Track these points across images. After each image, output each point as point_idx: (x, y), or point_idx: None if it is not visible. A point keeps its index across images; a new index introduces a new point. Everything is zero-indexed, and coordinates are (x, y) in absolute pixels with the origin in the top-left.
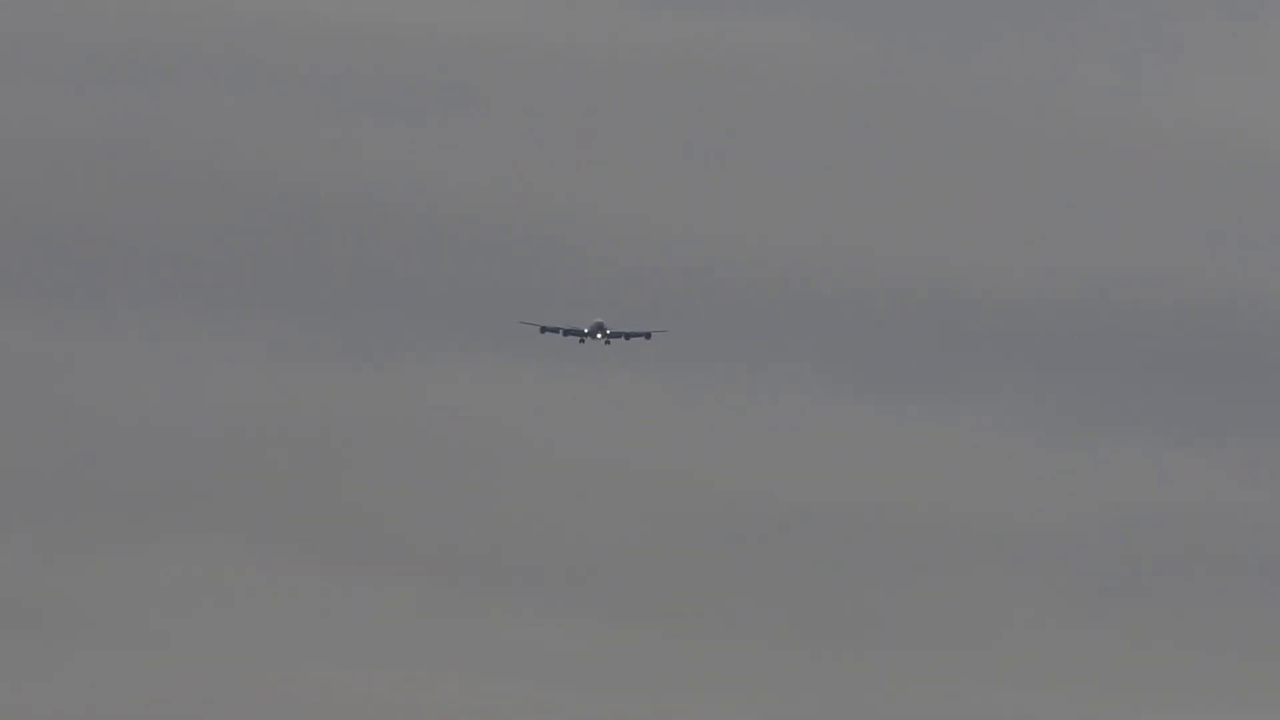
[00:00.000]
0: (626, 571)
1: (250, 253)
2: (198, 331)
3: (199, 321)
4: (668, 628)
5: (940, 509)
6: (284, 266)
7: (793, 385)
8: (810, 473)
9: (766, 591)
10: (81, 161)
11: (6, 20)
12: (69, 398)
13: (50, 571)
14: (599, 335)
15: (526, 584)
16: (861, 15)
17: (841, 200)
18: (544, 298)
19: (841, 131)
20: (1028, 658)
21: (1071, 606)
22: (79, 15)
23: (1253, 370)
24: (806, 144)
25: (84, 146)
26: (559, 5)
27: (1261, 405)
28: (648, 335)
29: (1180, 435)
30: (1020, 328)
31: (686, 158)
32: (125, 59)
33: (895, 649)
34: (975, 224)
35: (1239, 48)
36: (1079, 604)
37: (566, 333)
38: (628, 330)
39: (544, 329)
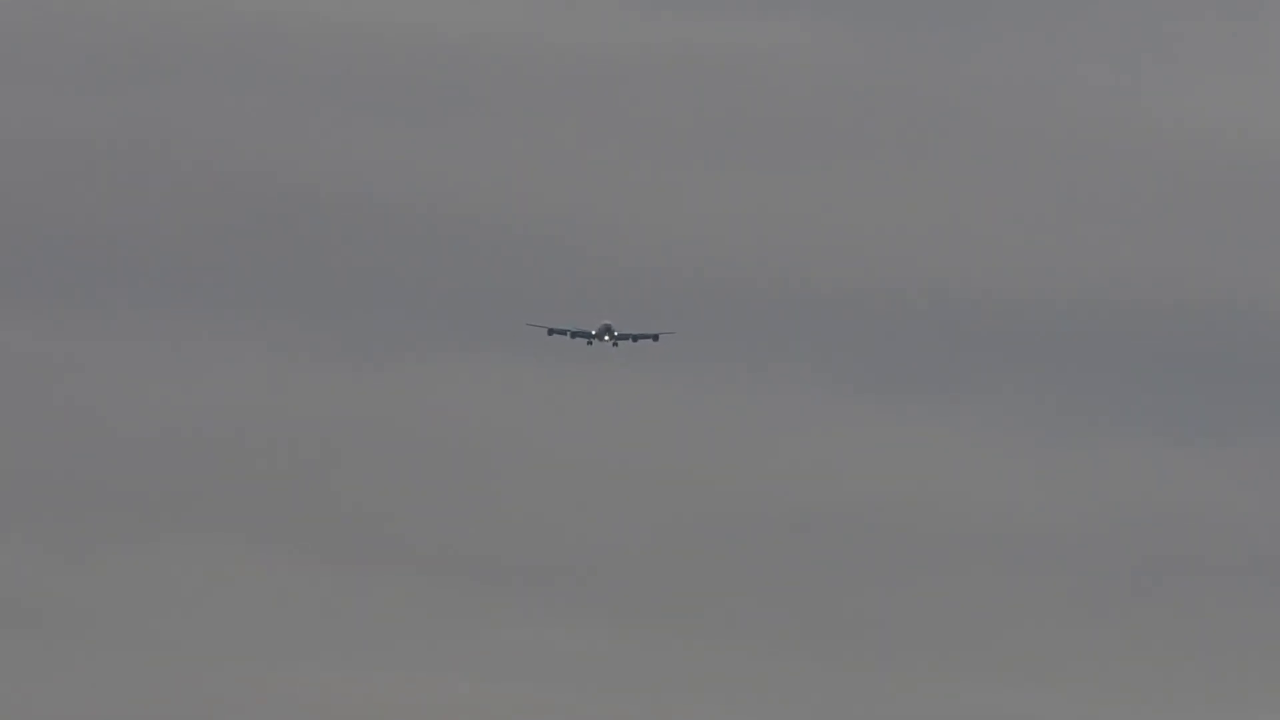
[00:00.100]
0: (631, 572)
1: (254, 254)
2: (214, 332)
3: (215, 322)
4: (670, 628)
5: (943, 510)
6: (290, 268)
7: (799, 387)
8: (815, 474)
9: (769, 592)
10: (84, 162)
11: (7, 21)
12: (71, 399)
13: (53, 572)
14: (606, 337)
15: (531, 585)
16: (862, 16)
17: (846, 202)
18: (551, 300)
19: (844, 133)
20: (1029, 658)
21: (1073, 607)
22: (80, 16)
23: (1254, 371)
24: (811, 146)
25: (85, 147)
26: (565, 7)
27: (1262, 406)
28: (655, 337)
29: (1181, 436)
30: (1022, 329)
31: (693, 160)
32: (126, 60)
33: (897, 650)
34: (979, 226)
35: (1239, 48)
36: (1080, 605)
37: (574, 334)
38: (635, 332)
39: (551, 331)
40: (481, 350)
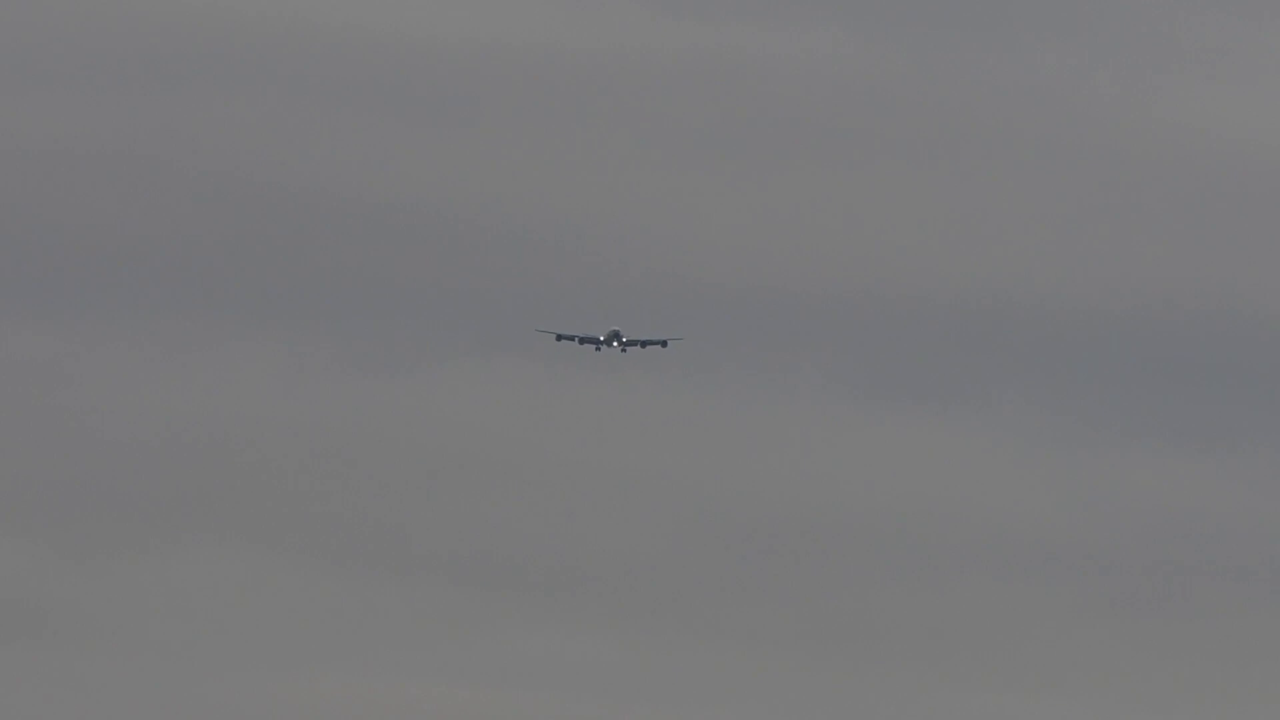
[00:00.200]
0: (639, 578)
1: (266, 262)
2: (224, 340)
3: (226, 330)
4: (681, 635)
5: (951, 516)
6: (301, 275)
7: (808, 393)
8: (826, 480)
9: (783, 599)
10: (96, 171)
11: (14, 29)
12: (82, 405)
13: (66, 579)
14: (615, 343)
15: (541, 591)
16: (878, 25)
17: (855, 209)
18: (560, 306)
19: (855, 140)
20: (1036, 664)
21: (1081, 614)
22: (83, 22)
23: (1263, 378)
24: (820, 153)
25: (96, 156)
26: (576, 15)
27: (1271, 412)
28: (664, 343)
29: (1189, 442)
30: (1037, 337)
31: (701, 166)
32: (133, 66)
33: (908, 656)
34: (991, 233)
35: (1251, 56)
36: (1088, 611)
37: (583, 341)
38: (644, 338)
39: (560, 337)
40: (491, 356)
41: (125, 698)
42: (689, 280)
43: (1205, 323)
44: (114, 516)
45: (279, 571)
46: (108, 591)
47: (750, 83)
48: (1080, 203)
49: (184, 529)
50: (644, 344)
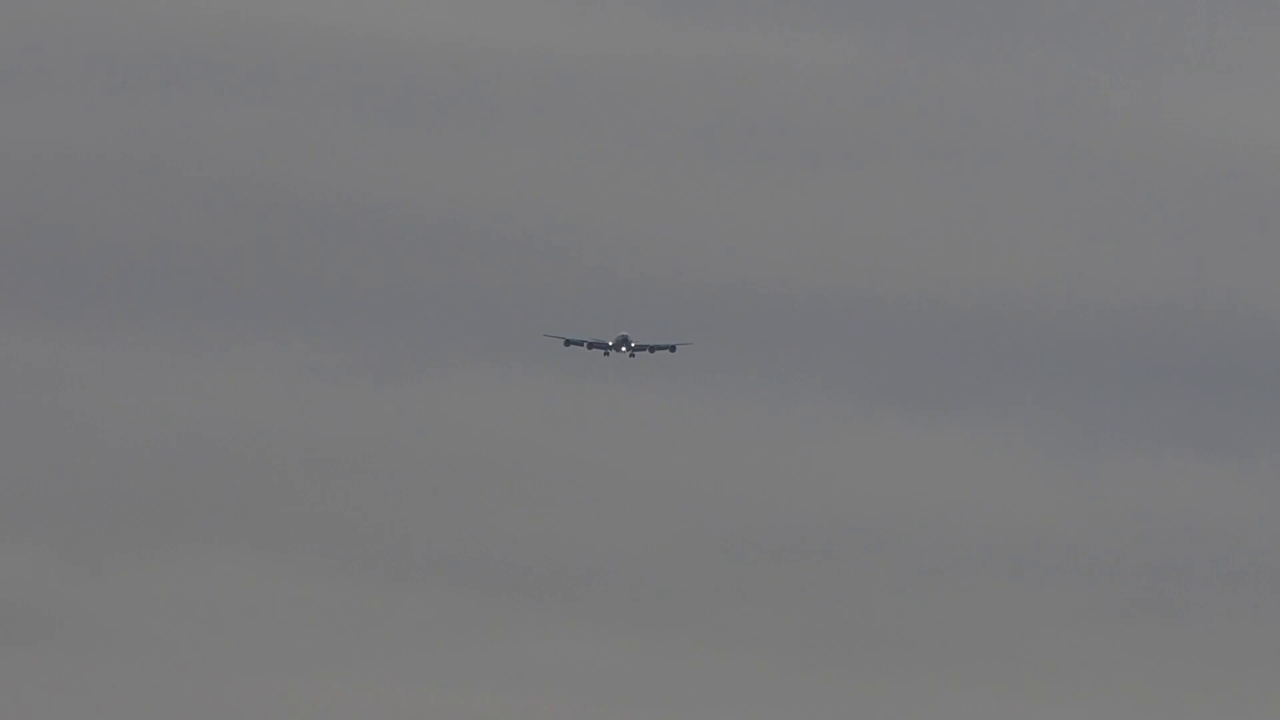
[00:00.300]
0: (647, 584)
1: (273, 267)
2: (233, 345)
3: (234, 335)
4: (688, 641)
5: (959, 522)
6: (310, 281)
7: (817, 398)
8: (834, 485)
9: (790, 604)
10: (105, 176)
11: (18, 33)
12: (89, 410)
13: (75, 584)
14: (623, 348)
15: (549, 597)
16: (888, 32)
17: (864, 214)
18: (568, 311)
19: (867, 146)
20: (1048, 670)
21: (1094, 620)
22: (91, 27)
23: (1275, 383)
24: (829, 157)
25: (106, 161)
26: (587, 21)
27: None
28: (672, 348)
29: (1202, 449)
30: (1046, 343)
31: (709, 171)
32: (142, 71)
33: (915, 663)
34: (998, 239)
35: (1260, 61)
36: (1097, 617)
37: (591, 346)
38: (652, 343)
39: (568, 342)
40: (499, 361)
41: (131, 703)
42: (698, 285)
43: (1213, 328)
44: (122, 521)
45: (285, 577)
46: (116, 596)
47: (759, 88)
48: (1088, 208)
49: (192, 534)
50: (652, 349)
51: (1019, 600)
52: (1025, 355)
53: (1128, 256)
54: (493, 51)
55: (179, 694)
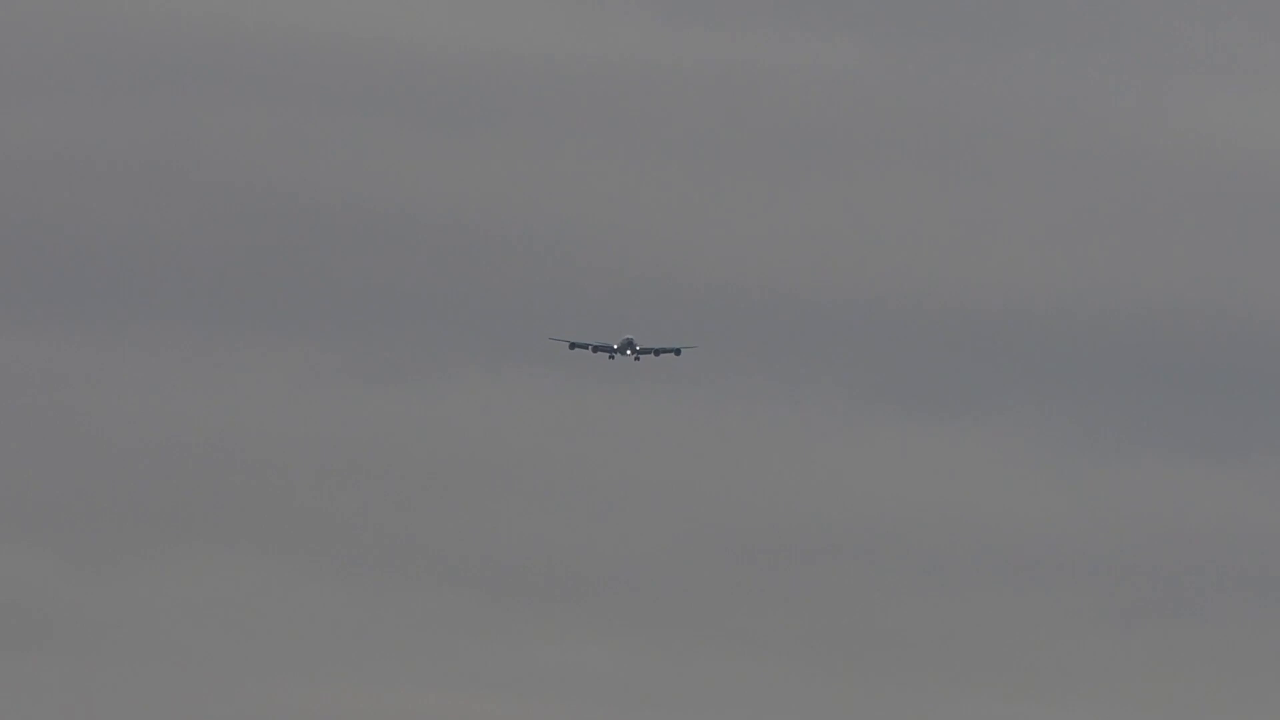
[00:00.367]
0: (653, 588)
1: (277, 270)
2: (235, 348)
3: (237, 338)
4: (695, 644)
5: (969, 525)
6: (312, 283)
7: (822, 402)
8: (839, 489)
9: (795, 607)
10: (105, 179)
11: (20, 37)
12: (90, 414)
13: (76, 586)
14: (628, 351)
15: (553, 600)
16: (890, 35)
17: (869, 217)
18: (573, 314)
19: (869, 148)
20: (1052, 674)
21: (1098, 623)
22: (92, 29)
23: (1279, 387)
24: (836, 162)
25: (105, 164)
26: (591, 24)
27: None
28: (677, 351)
29: (1207, 452)
30: (1051, 346)
31: (715, 174)
32: (143, 74)
33: (923, 666)
34: (1009, 243)
35: (1266, 63)
36: (1105, 621)
37: (596, 349)
38: (657, 346)
39: (573, 345)
40: (503, 364)
41: (134, 705)
42: (703, 288)
43: (1217, 331)
44: (125, 524)
45: (288, 580)
46: (118, 599)
47: (764, 91)
48: (1092, 212)
49: (195, 537)
50: (657, 352)
51: (1023, 603)
52: (1030, 359)
53: (1131, 260)
54: (497, 54)
55: (182, 697)
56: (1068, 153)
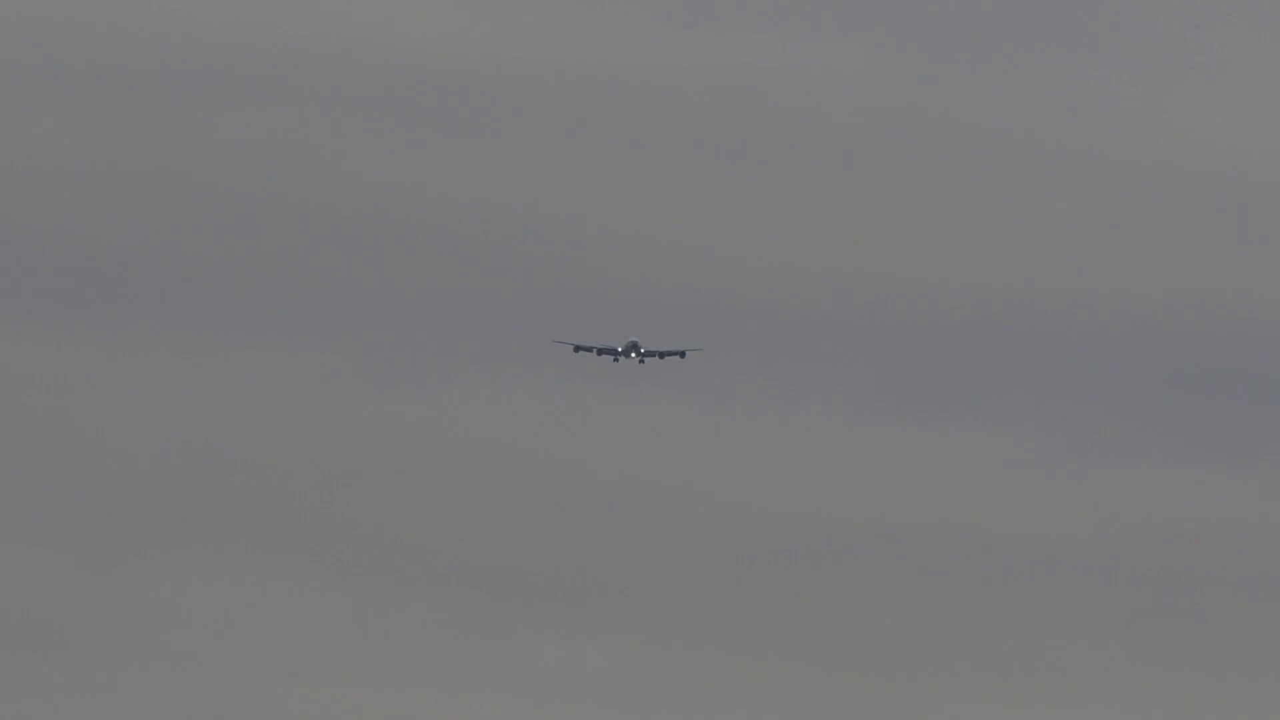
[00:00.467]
0: (656, 590)
1: (281, 274)
2: (239, 352)
3: (241, 342)
4: (699, 646)
5: (974, 528)
6: (318, 287)
7: (827, 404)
8: (844, 492)
9: (799, 610)
10: (109, 183)
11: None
12: (95, 417)
13: (81, 590)
14: (633, 354)
15: (557, 603)
16: (895, 39)
17: (874, 220)
18: (578, 317)
19: (875, 153)
20: (1057, 677)
21: (1104, 626)
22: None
23: None
24: (840, 165)
25: (109, 168)
26: (596, 28)
27: None
28: (682, 354)
29: (1213, 454)
30: (1056, 349)
31: (720, 177)
32: (146, 78)
33: (927, 669)
34: (1014, 247)
35: (1270, 67)
36: (1111, 623)
37: (600, 352)
38: (662, 349)
39: (578, 348)
40: (508, 367)
41: (139, 709)
42: (707, 291)
43: (1221, 333)
44: (131, 528)
45: (293, 583)
46: (124, 602)
47: (769, 95)
48: (1096, 215)
49: (201, 540)
50: (662, 355)
51: (1025, 605)
52: (1033, 362)
53: (1133, 264)
54: (503, 59)
55: (187, 700)
56: (1069, 156)
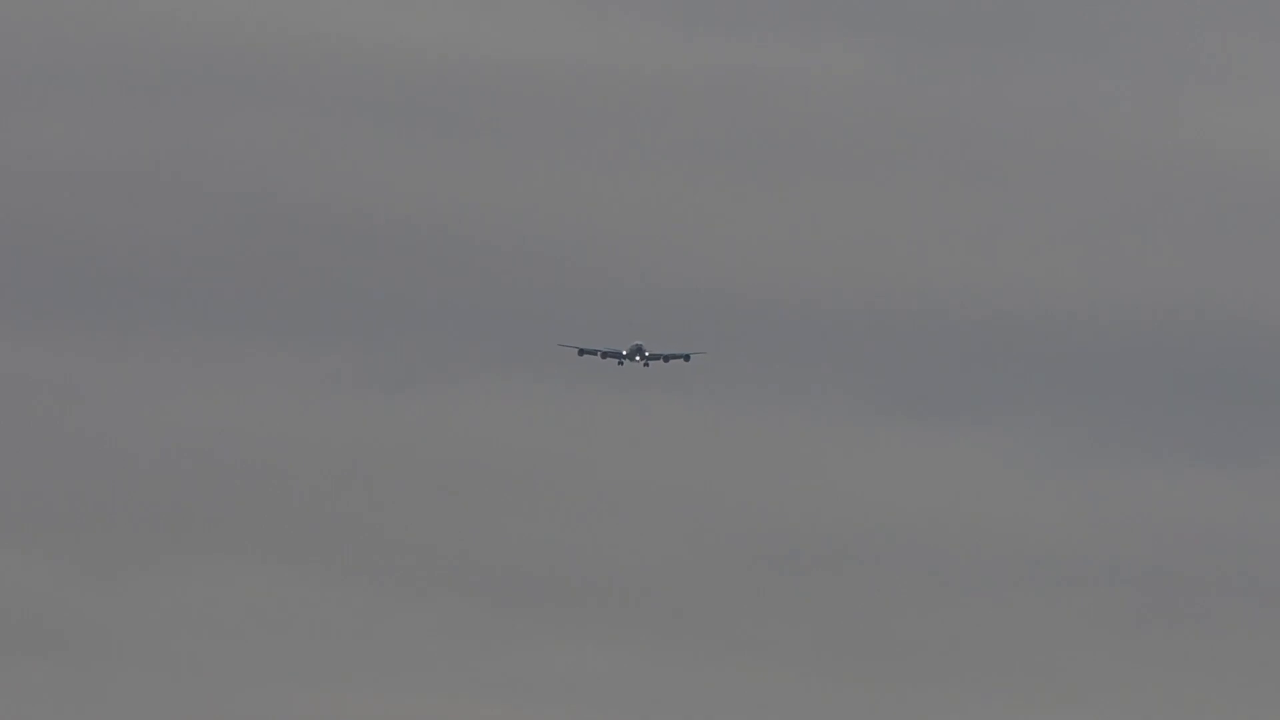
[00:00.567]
0: (660, 594)
1: (285, 278)
2: (244, 357)
3: (246, 347)
4: (703, 650)
5: (976, 532)
6: (322, 291)
7: (830, 408)
8: (847, 495)
9: (802, 614)
10: (111, 187)
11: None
12: (98, 422)
13: (84, 595)
14: (637, 358)
15: (562, 607)
16: (896, 42)
17: (878, 223)
18: (582, 321)
19: (878, 156)
20: (1059, 681)
21: (1105, 630)
22: (95, 35)
23: None
24: (844, 168)
25: (111, 172)
26: (600, 31)
27: None
28: (686, 357)
29: (1213, 458)
30: (1058, 353)
31: (725, 182)
32: (147, 81)
33: (929, 673)
34: (1016, 251)
35: (1273, 71)
36: (1112, 628)
37: (605, 355)
38: (666, 352)
39: (582, 351)
40: (512, 371)
41: (141, 712)
42: (712, 295)
43: (1223, 337)
44: (133, 532)
45: (296, 586)
46: (127, 607)
47: (772, 98)
48: (1099, 219)
49: (203, 544)
50: (666, 358)
51: (1032, 608)
52: (1038, 366)
53: (1137, 267)
54: (506, 61)
55: (189, 703)
56: (1069, 159)
